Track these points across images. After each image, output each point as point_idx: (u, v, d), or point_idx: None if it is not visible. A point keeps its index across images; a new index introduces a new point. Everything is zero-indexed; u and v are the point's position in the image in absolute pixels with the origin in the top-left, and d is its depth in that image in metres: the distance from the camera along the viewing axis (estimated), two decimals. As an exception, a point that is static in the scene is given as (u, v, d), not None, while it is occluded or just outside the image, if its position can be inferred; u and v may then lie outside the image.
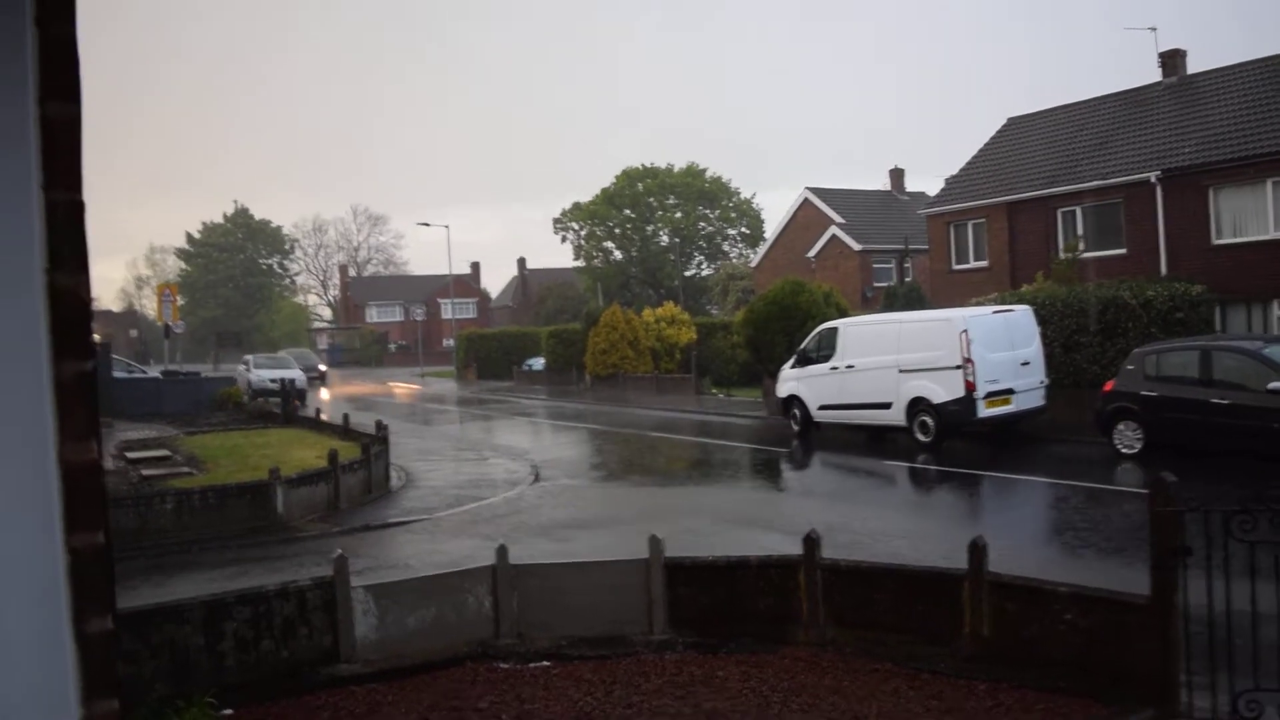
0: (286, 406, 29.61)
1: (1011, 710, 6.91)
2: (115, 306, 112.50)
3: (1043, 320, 22.05)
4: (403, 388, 52.74)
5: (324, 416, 27.34)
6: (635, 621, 8.77)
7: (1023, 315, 20.80)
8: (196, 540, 14.00)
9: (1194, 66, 30.40)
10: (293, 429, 26.54)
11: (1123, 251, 26.93)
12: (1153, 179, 26.11)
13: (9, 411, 1.30)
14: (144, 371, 39.89)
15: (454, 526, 14.82)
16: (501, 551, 8.79)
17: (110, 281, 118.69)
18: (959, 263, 32.50)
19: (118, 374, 33.40)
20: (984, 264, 31.30)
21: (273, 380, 38.03)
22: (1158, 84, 30.50)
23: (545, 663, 8.37)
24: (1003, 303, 23.24)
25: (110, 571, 1.43)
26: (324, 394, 46.02)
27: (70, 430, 1.34)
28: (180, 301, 59.56)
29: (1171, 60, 30.42)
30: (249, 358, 46.04)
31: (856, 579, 8.41)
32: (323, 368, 55.80)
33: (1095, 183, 27.76)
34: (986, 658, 7.60)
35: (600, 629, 8.73)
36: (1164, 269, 25.46)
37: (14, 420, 1.30)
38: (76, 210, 1.36)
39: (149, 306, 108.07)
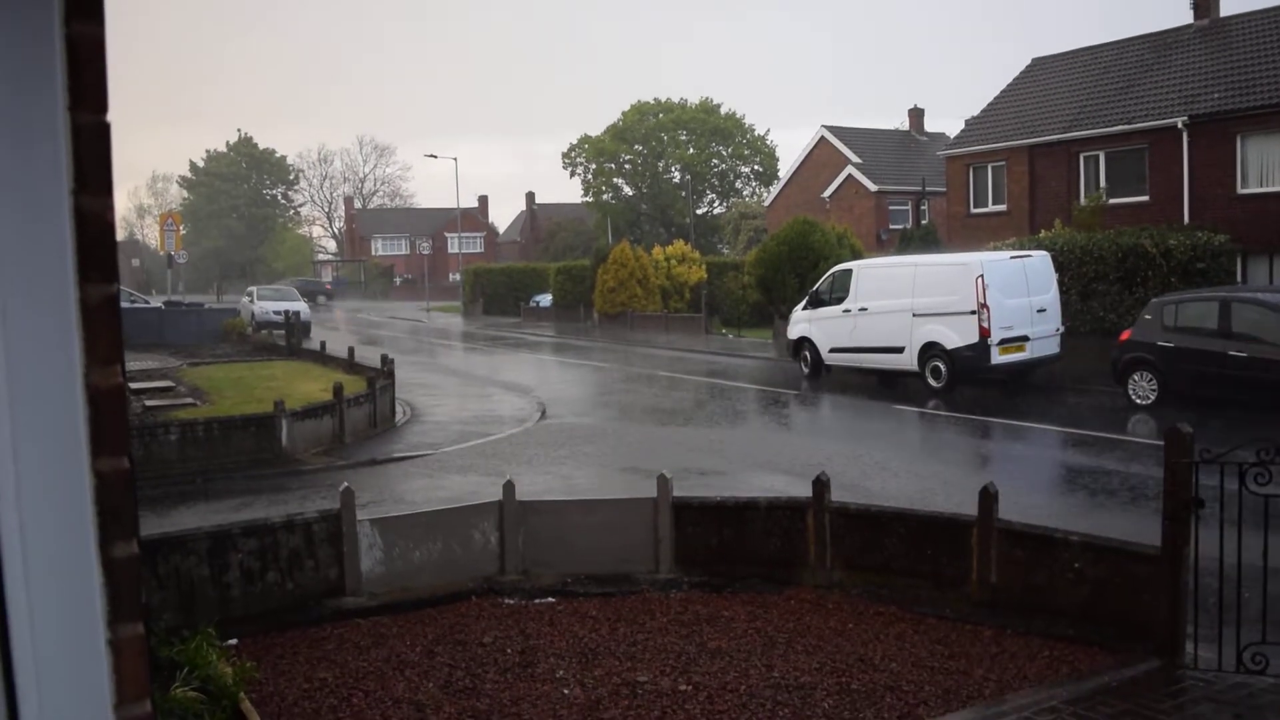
0: (291, 339, 29.69)
1: (1016, 657, 7.00)
2: (117, 235, 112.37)
3: (1060, 267, 21.96)
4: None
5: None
6: (641, 560, 8.87)
7: (1040, 261, 20.70)
8: (200, 472, 14.13)
9: (1227, 9, 29.93)
10: (297, 361, 26.62)
11: (1145, 199, 26.73)
12: (1179, 125, 25.83)
13: (36, 334, 1.31)
14: (146, 301, 39.98)
15: (459, 462, 14.93)
16: (508, 487, 8.87)
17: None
18: (977, 206, 32.29)
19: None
20: (1003, 208, 31.10)
21: (276, 312, 38.05)
22: (1188, 26, 30.04)
23: (550, 599, 8.48)
24: (1021, 248, 23.13)
25: (134, 497, 1.45)
26: None
27: (96, 354, 1.36)
28: (183, 231, 59.39)
29: (1204, 2, 29.92)
30: (252, 289, 46.03)
31: (865, 523, 8.49)
32: None
33: (1120, 127, 27.48)
34: (993, 604, 7.68)
35: (606, 567, 8.83)
36: (1187, 217, 25.28)
37: (41, 343, 1.32)
38: (102, 132, 1.36)
39: (151, 236, 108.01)
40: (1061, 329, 20.78)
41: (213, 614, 7.44)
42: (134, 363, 25.38)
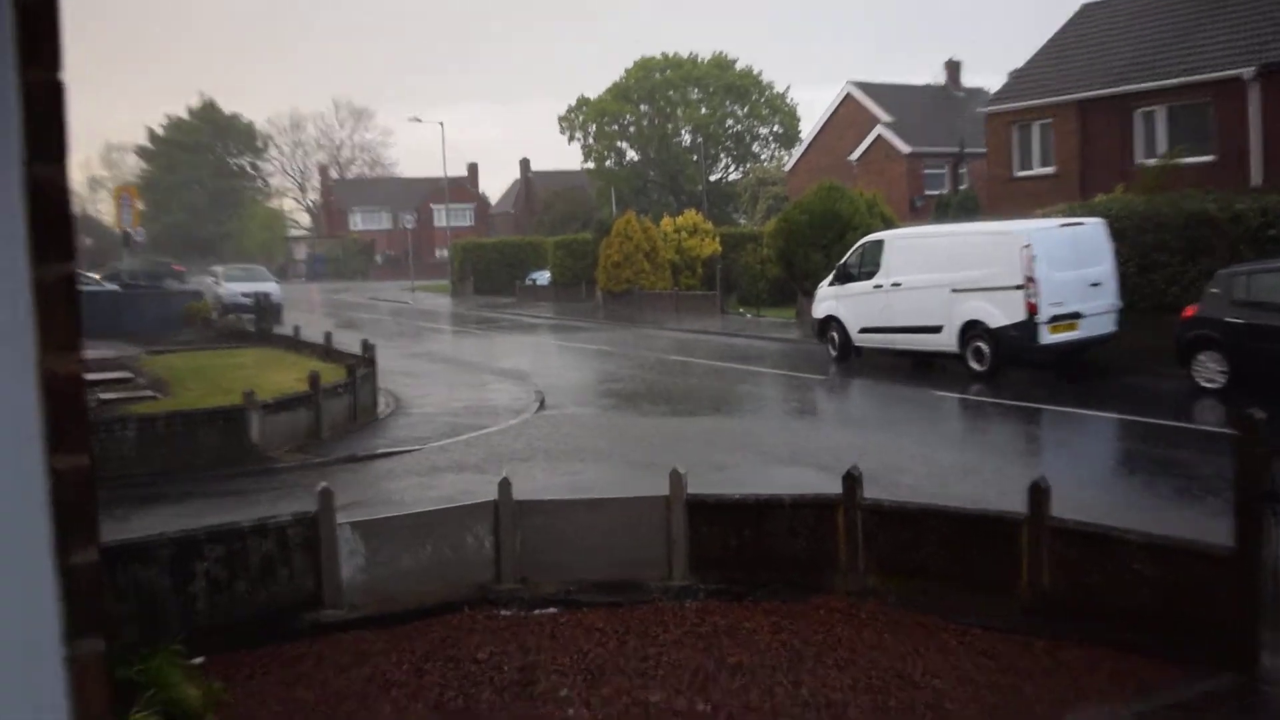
0: (261, 324, 29.78)
1: (1073, 670, 6.99)
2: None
3: (1117, 235, 21.84)
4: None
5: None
6: (653, 565, 8.87)
7: (1093, 229, 20.62)
8: (162, 471, 14.16)
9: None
10: (268, 348, 26.73)
11: (1210, 158, 26.60)
12: (1246, 75, 25.68)
13: (-15, 318, 1.31)
14: (100, 284, 40.04)
15: (450, 458, 14.96)
16: (504, 485, 8.88)
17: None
18: (1022, 169, 32.19)
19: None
20: (1050, 170, 31.00)
21: (245, 294, 38.13)
22: (1258, -36, 29.81)
23: (551, 610, 8.49)
24: (1071, 214, 23.03)
25: (95, 497, 1.45)
26: None
27: (53, 339, 1.35)
28: (141, 206, 59.42)
29: (1275, -64, 29.70)
30: (218, 268, 46.13)
31: (902, 521, 8.48)
32: None
33: (1180, 79, 27.34)
34: (1046, 612, 7.67)
35: (613, 573, 8.83)
36: (1257, 179, 25.15)
37: (-9, 328, 1.31)
38: (56, 92, 1.36)
39: (105, 212, 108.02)
40: (1118, 305, 20.71)
41: (177, 629, 7.46)
42: (88, 351, 25.43)
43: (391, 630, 8.14)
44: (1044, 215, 24.10)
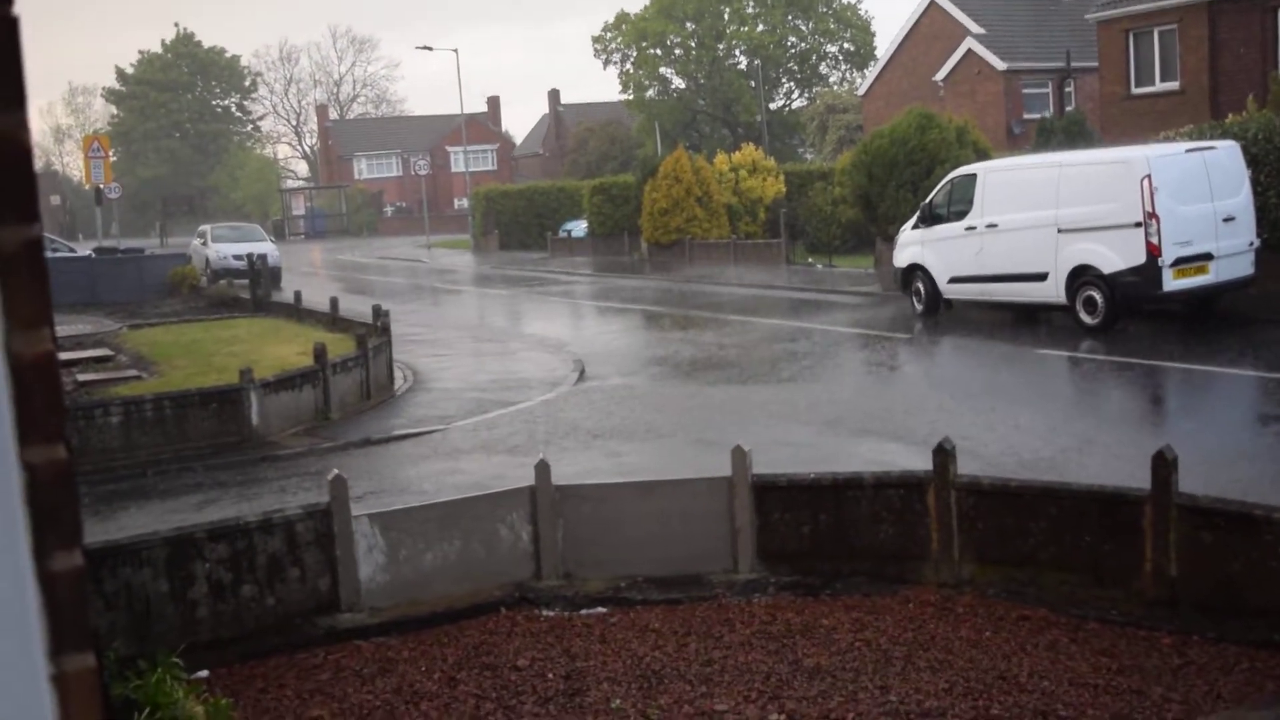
0: (256, 290, 30.04)
1: (1205, 670, 6.95)
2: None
3: (1255, 161, 21.49)
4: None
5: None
6: (715, 557, 8.89)
7: (1226, 155, 20.28)
8: (150, 462, 14.35)
9: None
10: (266, 318, 27.00)
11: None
12: None
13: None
14: (71, 250, 40.53)
15: (478, 439, 15.05)
16: (542, 469, 8.92)
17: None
18: (1140, 85, 31.73)
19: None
20: (1174, 86, 30.54)
21: (237, 256, 38.44)
22: None
23: (600, 609, 8.55)
24: (1200, 137, 22.69)
25: (75, 492, 1.47)
26: None
27: (18, 315, 1.36)
28: (113, 158, 59.95)
29: None
30: (205, 228, 46.52)
31: (1003, 502, 8.44)
32: None
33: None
34: (1173, 603, 7.63)
35: (670, 566, 8.87)
36: None
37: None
38: (9, 27, 1.36)
39: (73, 165, 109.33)
40: (1256, 243, 20.40)
41: (175, 640, 7.59)
42: (62, 327, 25.80)
43: (418, 636, 8.23)
44: (1167, 139, 23.76)
